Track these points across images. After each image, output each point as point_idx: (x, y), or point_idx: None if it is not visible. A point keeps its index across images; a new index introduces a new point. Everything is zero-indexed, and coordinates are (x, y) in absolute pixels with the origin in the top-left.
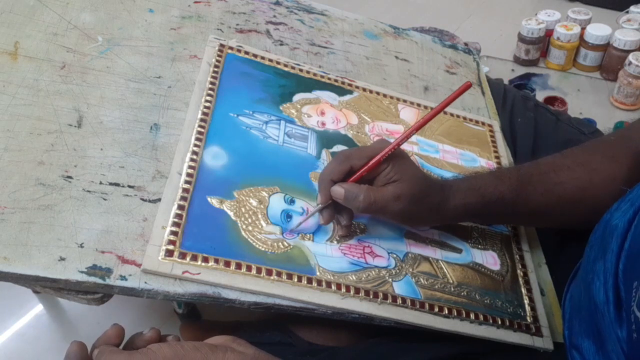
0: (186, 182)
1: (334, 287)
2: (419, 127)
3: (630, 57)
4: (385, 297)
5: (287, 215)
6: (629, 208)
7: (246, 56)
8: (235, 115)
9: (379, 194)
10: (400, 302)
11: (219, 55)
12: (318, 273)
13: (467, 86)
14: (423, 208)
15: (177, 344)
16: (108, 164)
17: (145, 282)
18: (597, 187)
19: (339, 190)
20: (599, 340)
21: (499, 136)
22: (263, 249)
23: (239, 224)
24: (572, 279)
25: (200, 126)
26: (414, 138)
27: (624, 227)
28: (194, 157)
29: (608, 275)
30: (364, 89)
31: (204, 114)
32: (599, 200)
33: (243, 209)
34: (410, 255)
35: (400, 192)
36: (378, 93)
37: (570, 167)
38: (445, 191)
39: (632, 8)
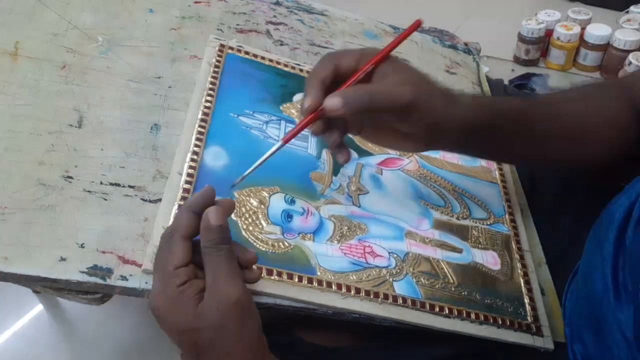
0: (187, 182)
1: (334, 287)
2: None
3: (630, 57)
4: (385, 296)
5: (288, 215)
6: (625, 200)
7: (246, 56)
8: (236, 115)
9: (380, 85)
10: (401, 301)
11: (219, 56)
12: (319, 273)
13: (419, 23)
14: (434, 93)
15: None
16: (108, 164)
17: (146, 282)
18: (599, 121)
19: (333, 100)
20: (598, 332)
21: None
22: (263, 249)
23: (239, 224)
24: (572, 278)
25: (200, 126)
26: None
27: (620, 218)
28: (195, 157)
29: (606, 264)
30: None
31: (204, 114)
32: (601, 134)
33: (243, 209)
34: (410, 255)
35: (404, 77)
36: None
37: (575, 99)
38: (453, 91)
39: (632, 8)
